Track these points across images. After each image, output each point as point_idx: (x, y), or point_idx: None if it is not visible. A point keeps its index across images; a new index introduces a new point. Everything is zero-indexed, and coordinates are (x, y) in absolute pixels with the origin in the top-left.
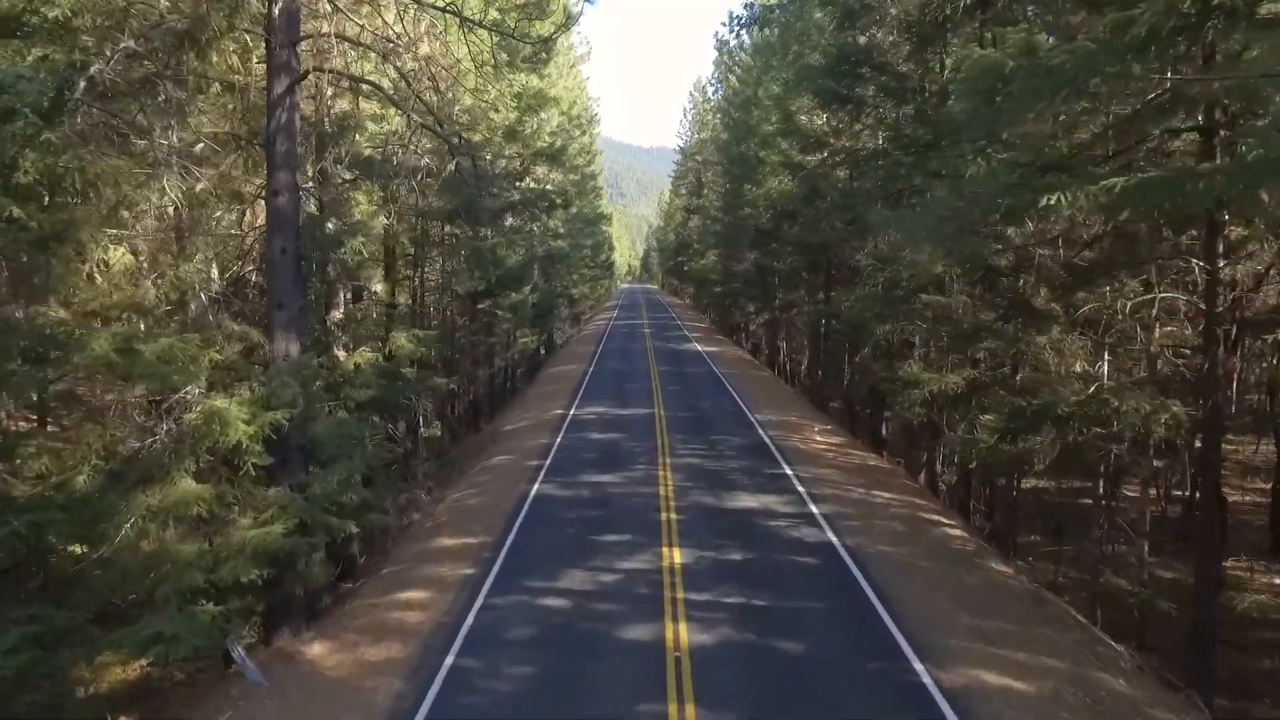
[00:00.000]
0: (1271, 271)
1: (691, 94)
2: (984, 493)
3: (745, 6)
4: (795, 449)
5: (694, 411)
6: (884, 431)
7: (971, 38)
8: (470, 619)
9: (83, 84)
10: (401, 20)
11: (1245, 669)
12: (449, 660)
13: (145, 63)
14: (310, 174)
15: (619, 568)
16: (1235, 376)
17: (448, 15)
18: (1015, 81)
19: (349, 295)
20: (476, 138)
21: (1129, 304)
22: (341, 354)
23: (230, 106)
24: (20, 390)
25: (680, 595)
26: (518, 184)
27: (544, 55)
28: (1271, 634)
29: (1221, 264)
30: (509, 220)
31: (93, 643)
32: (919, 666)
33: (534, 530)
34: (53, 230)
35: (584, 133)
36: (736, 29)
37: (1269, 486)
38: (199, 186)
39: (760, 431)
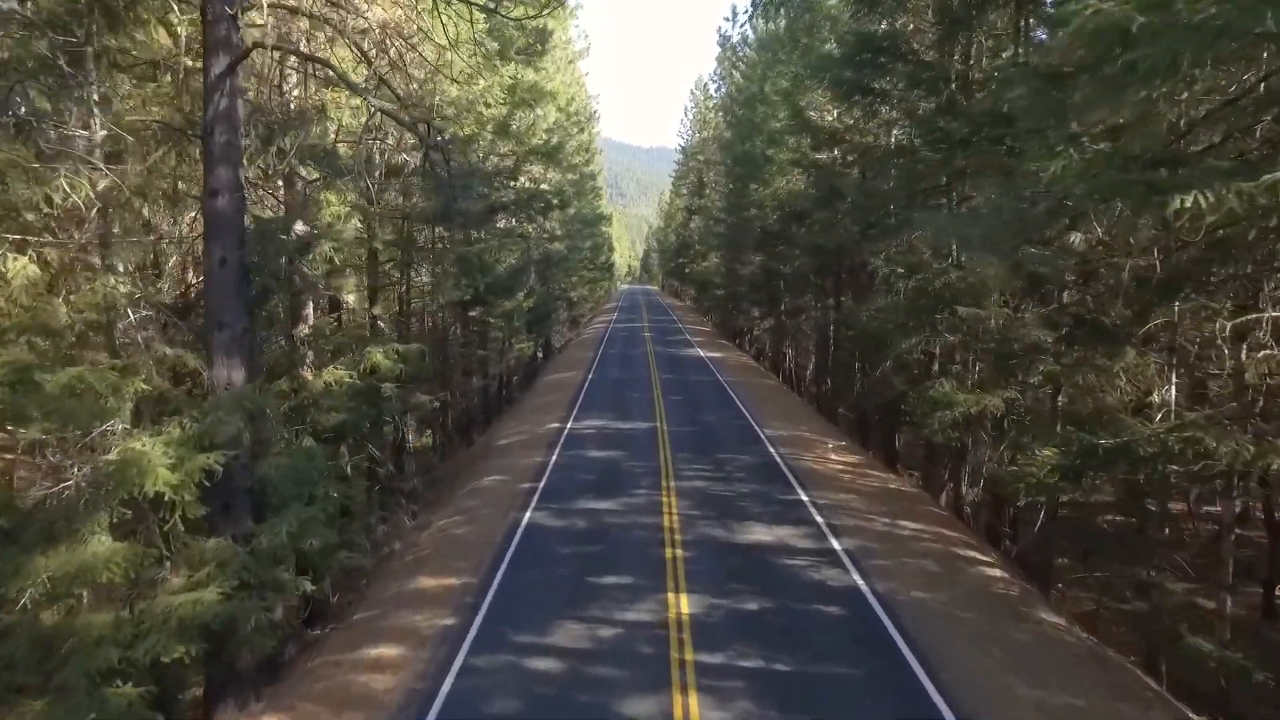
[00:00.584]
0: None
1: (693, 92)
2: (1008, 513)
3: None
4: (809, 470)
5: (698, 425)
6: (897, 443)
7: (1008, 23)
8: (447, 685)
9: None
10: None
11: None
12: None
13: (35, 32)
14: (267, 170)
15: (619, 618)
16: None
17: None
18: (1139, 47)
19: (324, 306)
20: (464, 131)
21: (1228, 324)
22: (310, 374)
23: (165, 90)
24: None
25: (689, 657)
26: (511, 183)
27: (538, 46)
28: None
29: None
30: (501, 222)
31: None
32: None
33: (523, 569)
34: None
35: (583, 131)
36: (745, 17)
37: None
38: (127, 183)
39: (770, 449)
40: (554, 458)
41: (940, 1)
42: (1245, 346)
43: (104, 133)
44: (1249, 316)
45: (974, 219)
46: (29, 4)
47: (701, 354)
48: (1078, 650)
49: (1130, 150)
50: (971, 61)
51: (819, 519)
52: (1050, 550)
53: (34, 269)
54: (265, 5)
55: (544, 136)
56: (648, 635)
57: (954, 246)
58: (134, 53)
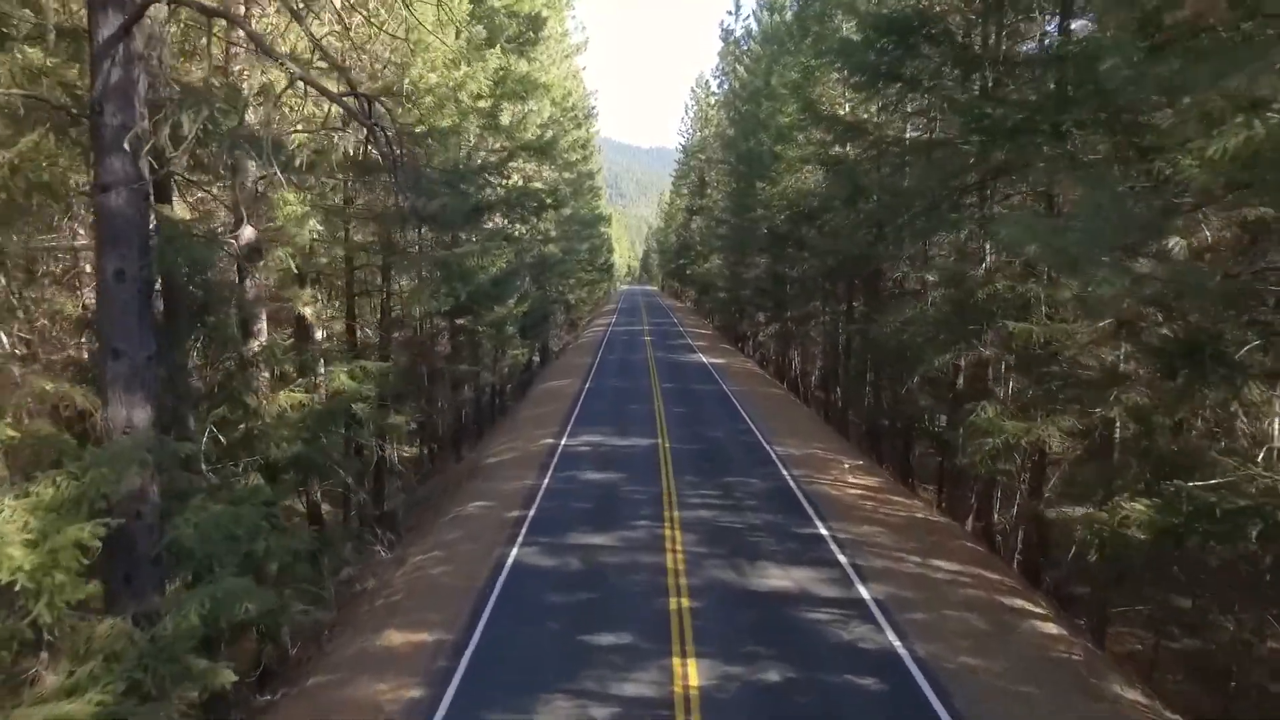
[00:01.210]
0: None
1: (693, 90)
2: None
3: None
4: (826, 496)
5: (703, 442)
6: (911, 458)
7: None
8: None
9: None
10: None
11: None
12: None
13: None
14: (205, 163)
15: (616, 693)
16: None
17: None
18: None
19: (290, 321)
20: (444, 123)
21: None
22: (262, 398)
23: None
24: None
25: None
26: (502, 180)
27: (531, 34)
28: None
29: None
30: (489, 223)
31: None
32: None
33: (506, 623)
34: None
35: (580, 127)
36: (750, 10)
37: None
38: None
39: (782, 470)
40: (546, 481)
41: None
42: None
43: None
44: None
45: (1061, 222)
46: None
47: (704, 360)
48: None
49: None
50: (1005, 44)
51: (842, 558)
52: (1103, 595)
53: None
54: None
55: (537, 132)
56: (650, 718)
57: (1025, 253)
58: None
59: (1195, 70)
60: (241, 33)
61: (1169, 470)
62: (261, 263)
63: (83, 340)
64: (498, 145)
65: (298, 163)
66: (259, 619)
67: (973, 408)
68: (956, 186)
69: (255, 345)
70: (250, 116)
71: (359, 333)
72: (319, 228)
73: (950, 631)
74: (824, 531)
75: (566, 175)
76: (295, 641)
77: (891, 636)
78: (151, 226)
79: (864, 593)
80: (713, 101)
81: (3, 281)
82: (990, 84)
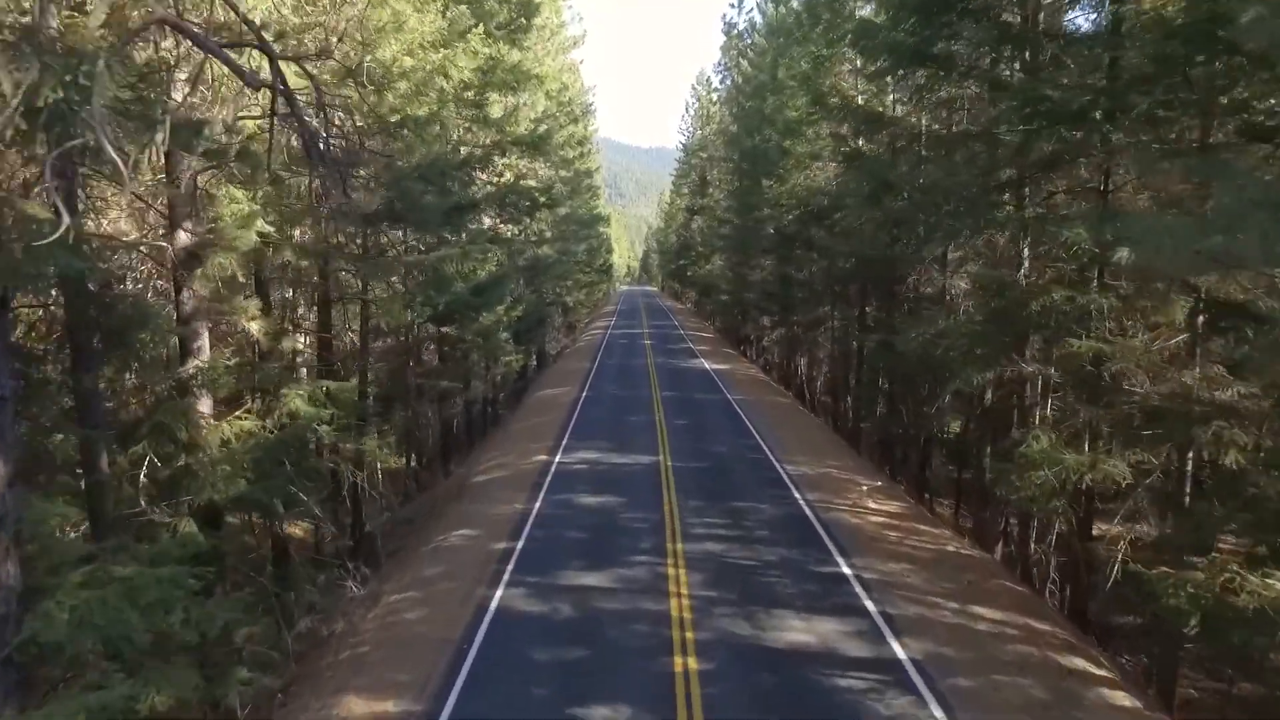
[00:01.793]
0: None
1: (694, 87)
2: (1081, 578)
3: None
4: (846, 525)
5: (708, 460)
6: (927, 471)
7: None
8: None
9: None
10: None
11: None
12: None
13: None
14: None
15: None
16: None
17: None
18: None
19: (246, 336)
20: (421, 111)
21: None
22: (201, 429)
23: None
24: None
25: None
26: (496, 178)
27: (523, 21)
28: None
29: None
30: (474, 223)
31: None
32: None
33: (484, 688)
34: None
35: (576, 122)
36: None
37: None
38: None
39: (795, 493)
40: (537, 505)
41: None
42: None
43: None
44: None
45: (1203, 224)
46: None
47: (706, 365)
48: None
49: None
50: (1051, 18)
51: (870, 604)
52: (1172, 654)
53: None
54: None
55: (530, 126)
56: None
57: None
58: None
59: None
60: None
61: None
62: (199, 271)
63: None
64: (487, 140)
65: (234, 153)
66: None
67: (1021, 436)
68: (995, 182)
69: (196, 364)
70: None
71: (335, 344)
72: (267, 228)
73: (1005, 703)
74: (847, 570)
75: (563, 173)
76: (244, 706)
77: (938, 712)
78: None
79: (899, 651)
80: (714, 98)
81: None
82: (1045, 62)
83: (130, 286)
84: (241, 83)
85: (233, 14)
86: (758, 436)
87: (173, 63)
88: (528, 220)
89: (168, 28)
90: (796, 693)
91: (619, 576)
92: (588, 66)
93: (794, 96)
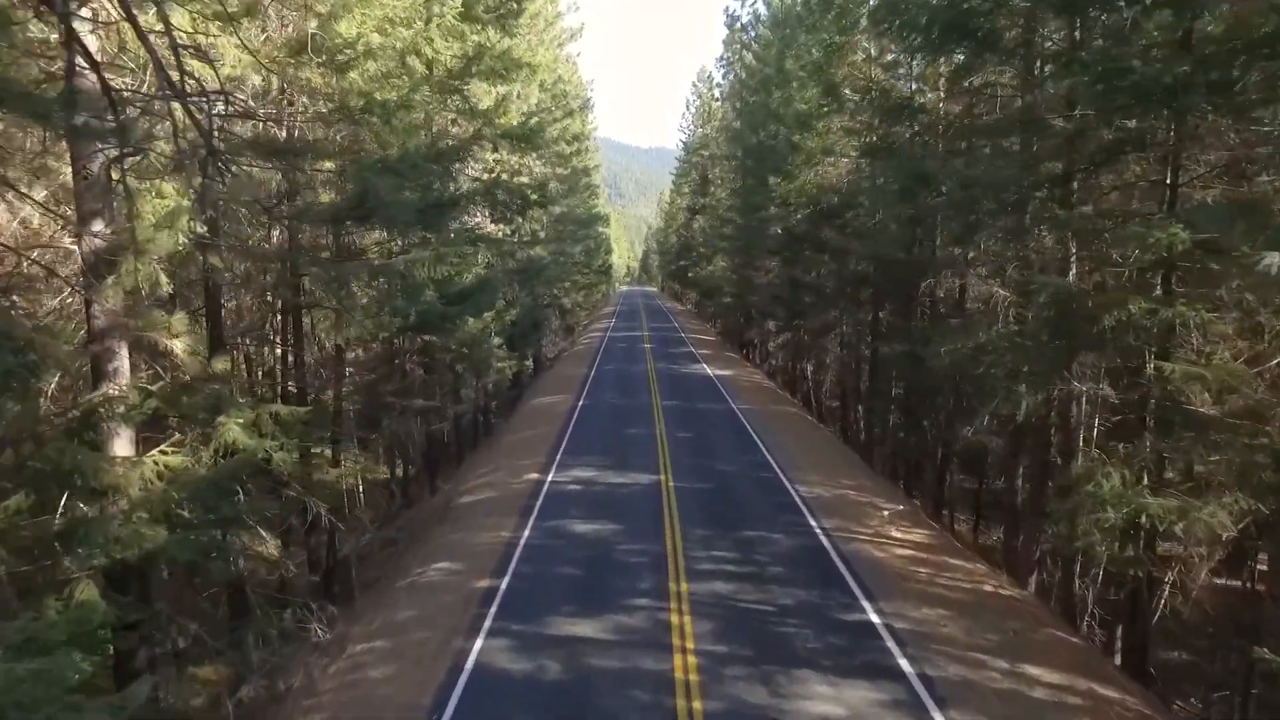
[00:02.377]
0: None
1: (695, 84)
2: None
3: None
4: (870, 560)
5: (713, 479)
6: (945, 485)
7: None
8: None
9: None
10: None
11: None
12: None
13: None
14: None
15: None
16: None
17: None
18: None
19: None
20: (388, 95)
21: None
22: (116, 467)
23: None
24: None
25: None
26: (484, 174)
27: (513, 4)
28: None
29: None
30: (455, 222)
31: None
32: None
33: None
34: None
35: (571, 116)
36: None
37: None
38: None
39: (811, 520)
40: (525, 533)
41: None
42: None
43: None
44: None
45: None
46: None
47: (709, 371)
48: None
49: None
50: None
51: (906, 665)
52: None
53: None
54: None
55: (521, 118)
56: None
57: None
58: None
59: None
60: None
61: None
62: (112, 278)
63: None
64: (469, 131)
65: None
66: None
67: (1087, 471)
68: (1046, 175)
69: (112, 390)
70: None
71: (305, 358)
72: (198, 229)
73: None
74: (875, 618)
75: (559, 170)
76: None
77: None
78: None
79: None
80: (717, 94)
81: None
82: (1127, 29)
83: (51, 300)
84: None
85: None
86: (766, 452)
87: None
88: (520, 220)
89: None
90: None
91: (615, 625)
92: (587, 63)
93: (803, 88)
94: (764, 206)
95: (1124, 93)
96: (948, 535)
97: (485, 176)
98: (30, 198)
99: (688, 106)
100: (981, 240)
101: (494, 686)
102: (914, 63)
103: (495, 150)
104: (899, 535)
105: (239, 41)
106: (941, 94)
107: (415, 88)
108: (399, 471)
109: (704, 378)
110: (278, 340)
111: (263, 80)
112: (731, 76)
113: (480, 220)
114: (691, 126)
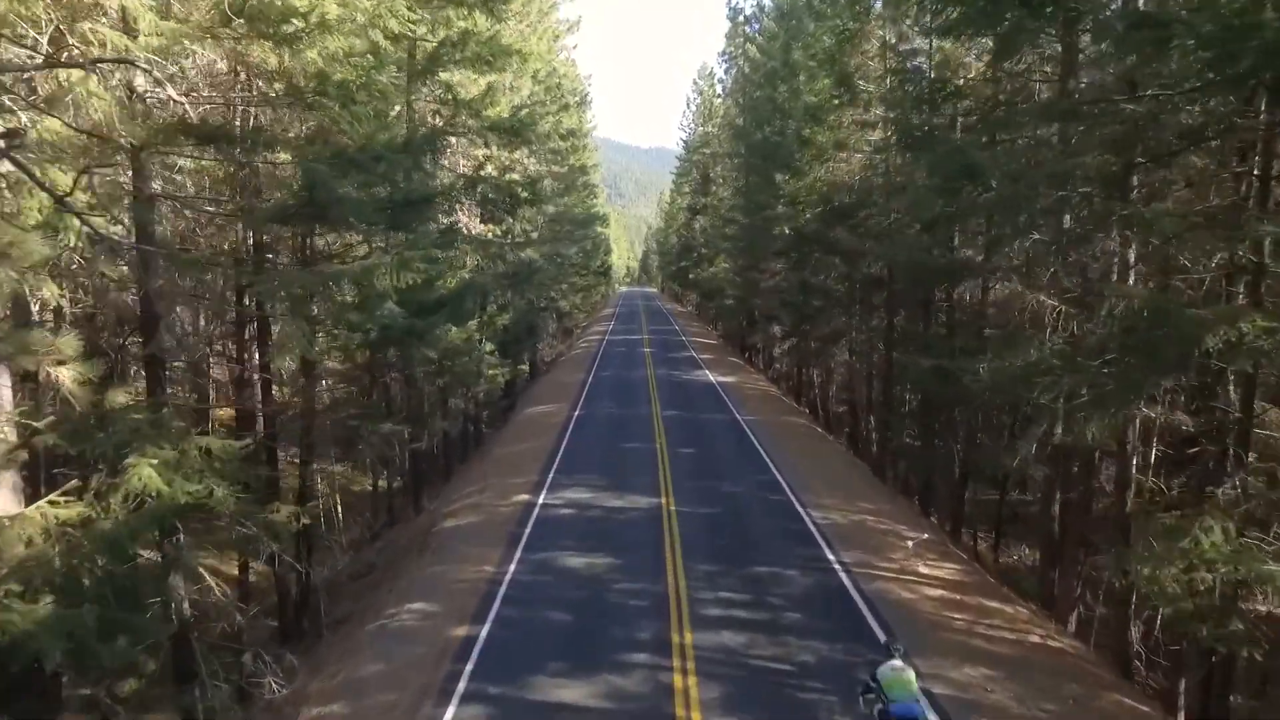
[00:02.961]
0: None
1: (696, 81)
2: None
3: None
4: (897, 603)
5: (719, 503)
6: (964, 501)
7: None
8: None
9: None
10: None
11: None
12: None
13: None
14: None
15: None
16: None
17: None
18: None
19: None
20: (346, 76)
21: None
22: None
23: None
24: None
25: None
26: (475, 171)
27: None
28: None
29: None
30: (430, 222)
31: None
32: None
33: None
34: None
35: (567, 110)
36: None
37: None
38: None
39: (828, 553)
40: (511, 568)
41: None
42: None
43: None
44: None
45: None
46: None
47: (711, 378)
48: None
49: None
50: None
51: None
52: None
53: None
54: None
55: (511, 109)
56: None
57: None
58: None
59: None
60: None
61: None
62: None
63: None
64: (447, 115)
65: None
66: None
67: (1171, 524)
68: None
69: None
70: None
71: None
72: (83, 227)
73: None
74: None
75: (555, 168)
76: None
77: None
78: None
79: None
80: (718, 90)
81: None
82: None
83: None
84: None
85: None
86: (775, 470)
87: None
88: (510, 219)
89: None
90: None
91: (609, 689)
92: (586, 59)
93: (813, 79)
94: (770, 205)
95: (1249, 55)
96: (979, 569)
97: (477, 174)
98: None
99: (688, 104)
100: (1029, 243)
101: None
102: (933, 49)
103: (487, 146)
104: (927, 571)
105: (152, 3)
106: (971, 79)
107: (379, 67)
108: (384, 483)
109: (706, 384)
110: (241, 356)
111: (204, 57)
112: (734, 71)
113: (468, 220)
114: (692, 124)
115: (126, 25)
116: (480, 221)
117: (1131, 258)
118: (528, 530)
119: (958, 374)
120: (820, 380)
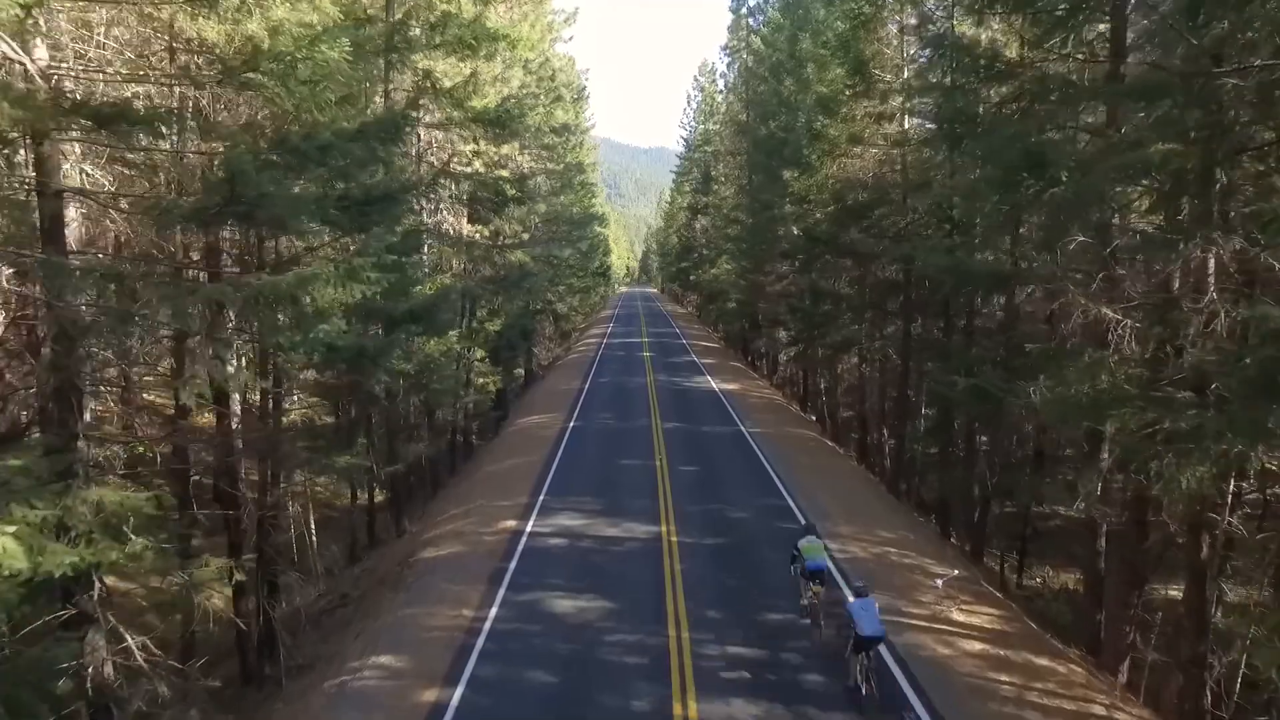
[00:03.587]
0: None
1: (696, 78)
2: None
3: None
4: (934, 662)
5: (726, 532)
6: (986, 521)
7: None
8: None
9: None
10: None
11: None
12: None
13: None
14: None
15: None
16: None
17: None
18: None
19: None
20: (279, 45)
21: None
22: None
23: None
24: None
25: None
26: (465, 168)
27: None
28: None
29: None
30: (399, 223)
31: None
32: None
33: None
34: None
35: (560, 102)
36: None
37: None
38: None
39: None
40: (492, 613)
41: None
42: None
43: None
44: None
45: None
46: None
47: (714, 385)
48: None
49: None
50: None
51: None
52: None
53: None
54: None
55: (499, 99)
56: None
57: None
58: None
59: None
60: None
61: None
62: None
63: None
64: (437, 114)
65: None
66: None
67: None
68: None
69: None
70: None
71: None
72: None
73: None
74: None
75: (549, 165)
76: None
77: None
78: None
79: None
80: (720, 85)
81: None
82: None
83: None
84: None
85: None
86: (786, 493)
87: None
88: (496, 219)
89: None
90: None
91: None
92: (585, 54)
93: (824, 69)
94: (776, 204)
95: None
96: (1019, 613)
97: (468, 171)
98: None
99: (689, 101)
100: (1090, 246)
101: None
102: (953, 33)
103: (475, 141)
104: (962, 618)
105: None
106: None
107: (330, 39)
108: (364, 496)
109: (709, 394)
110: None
111: (131, 31)
112: (737, 66)
113: (454, 221)
114: (693, 122)
115: None
116: (467, 222)
117: (1211, 264)
118: (513, 565)
119: (1001, 395)
120: (827, 387)
